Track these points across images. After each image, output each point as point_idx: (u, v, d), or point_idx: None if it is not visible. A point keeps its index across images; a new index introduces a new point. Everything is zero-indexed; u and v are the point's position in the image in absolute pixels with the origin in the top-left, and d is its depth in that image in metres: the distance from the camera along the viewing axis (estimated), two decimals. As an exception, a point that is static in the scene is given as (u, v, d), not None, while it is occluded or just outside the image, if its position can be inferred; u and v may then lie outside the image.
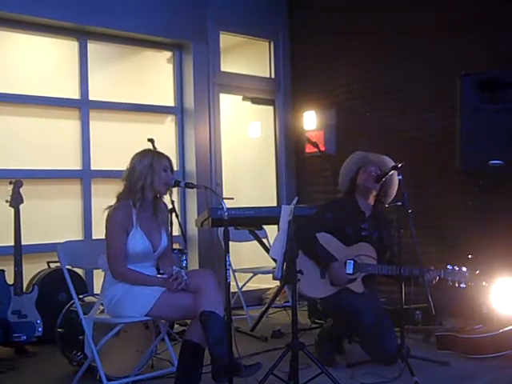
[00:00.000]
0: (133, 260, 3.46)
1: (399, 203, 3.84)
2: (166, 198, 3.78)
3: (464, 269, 3.93)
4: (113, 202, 3.54)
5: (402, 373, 3.72)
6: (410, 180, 3.91)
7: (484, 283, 3.98)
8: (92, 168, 5.79)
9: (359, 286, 4.09)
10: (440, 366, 3.97)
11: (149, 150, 3.68)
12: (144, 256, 3.50)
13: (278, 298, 5.35)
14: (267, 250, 5.10)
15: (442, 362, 4.00)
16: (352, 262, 4.10)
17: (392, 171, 3.99)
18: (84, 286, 4.94)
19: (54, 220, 5.60)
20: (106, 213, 3.48)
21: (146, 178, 3.47)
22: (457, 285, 3.92)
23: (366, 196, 4.25)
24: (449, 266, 3.93)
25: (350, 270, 4.10)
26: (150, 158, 3.51)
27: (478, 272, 3.92)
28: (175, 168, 5.87)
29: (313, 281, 4.07)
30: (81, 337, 3.72)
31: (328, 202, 4.45)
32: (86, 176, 5.77)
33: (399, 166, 3.89)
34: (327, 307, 4.24)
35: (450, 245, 5.36)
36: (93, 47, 5.86)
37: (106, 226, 3.47)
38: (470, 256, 4.02)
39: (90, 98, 5.81)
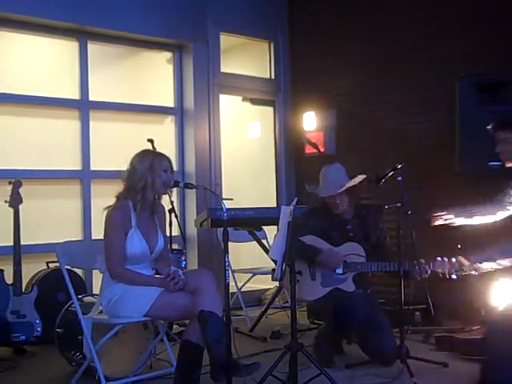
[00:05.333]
0: (130, 261, 3.46)
1: (399, 204, 3.84)
2: (165, 199, 3.78)
3: (453, 259, 3.89)
4: (112, 202, 3.54)
5: (401, 374, 3.72)
6: (409, 181, 3.91)
7: (474, 272, 3.94)
8: (92, 168, 5.79)
9: (350, 285, 4.12)
10: (439, 366, 3.97)
11: (149, 150, 3.69)
12: (141, 257, 3.50)
13: (277, 299, 5.35)
14: (266, 250, 5.10)
15: (440, 362, 4.00)
16: (341, 261, 4.11)
17: (391, 172, 3.99)
18: (83, 286, 4.93)
19: (54, 220, 5.60)
20: (105, 213, 3.48)
21: (147, 178, 3.46)
22: (447, 276, 3.88)
23: (336, 208, 4.26)
24: (438, 258, 3.91)
25: (339, 270, 4.11)
26: (150, 159, 3.51)
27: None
28: (175, 168, 5.88)
29: (304, 284, 4.07)
30: (80, 337, 3.72)
31: (309, 210, 4.44)
32: (85, 176, 5.77)
33: (398, 167, 3.89)
34: (320, 309, 4.25)
35: (450, 246, 5.36)
36: (93, 48, 5.86)
37: (105, 227, 3.47)
38: (458, 246, 4.01)
39: (90, 98, 5.82)
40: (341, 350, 4.37)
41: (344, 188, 4.19)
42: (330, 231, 4.21)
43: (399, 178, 3.85)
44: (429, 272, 3.89)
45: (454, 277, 3.86)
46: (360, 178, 4.20)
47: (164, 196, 3.69)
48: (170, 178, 3.54)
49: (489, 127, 3.58)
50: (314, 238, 4.14)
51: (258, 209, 4.96)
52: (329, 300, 4.09)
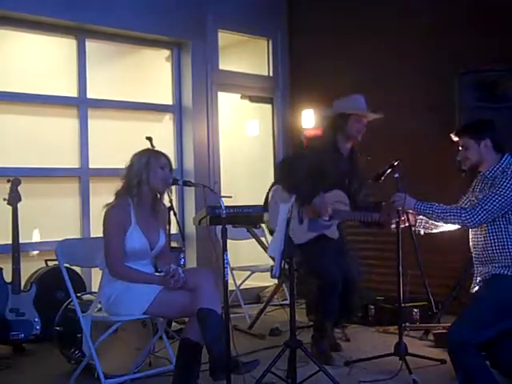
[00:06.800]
0: (130, 257, 3.46)
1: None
2: (165, 198, 3.78)
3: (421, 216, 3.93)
4: (111, 200, 3.54)
5: (400, 370, 3.74)
6: (409, 178, 3.91)
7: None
8: (90, 166, 5.79)
9: (335, 232, 4.22)
10: (437, 363, 3.97)
11: (147, 149, 3.72)
12: (141, 253, 3.50)
13: (275, 296, 5.35)
14: (265, 248, 5.10)
15: (439, 359, 4.00)
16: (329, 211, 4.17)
17: (389, 170, 3.99)
18: (82, 284, 4.93)
19: (52, 218, 5.60)
20: (104, 210, 3.48)
21: (142, 174, 3.48)
22: (415, 231, 3.87)
23: (349, 141, 4.37)
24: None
25: (326, 217, 4.18)
26: (147, 156, 3.53)
27: None
28: (173, 166, 5.87)
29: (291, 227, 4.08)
30: (79, 335, 3.73)
31: (310, 148, 4.57)
32: (84, 174, 5.77)
33: (395, 164, 3.89)
34: (304, 253, 4.25)
35: (449, 244, 5.36)
36: (91, 45, 5.85)
37: (104, 224, 3.47)
38: None
39: (89, 96, 5.81)
40: (339, 346, 4.38)
41: (381, 115, 4.45)
42: (325, 165, 4.22)
43: (396, 175, 3.86)
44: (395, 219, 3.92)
45: (421, 233, 3.82)
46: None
47: (163, 194, 3.69)
48: (167, 175, 3.54)
49: (451, 134, 3.57)
50: None
51: (257, 206, 4.96)
52: (312, 247, 4.17)
